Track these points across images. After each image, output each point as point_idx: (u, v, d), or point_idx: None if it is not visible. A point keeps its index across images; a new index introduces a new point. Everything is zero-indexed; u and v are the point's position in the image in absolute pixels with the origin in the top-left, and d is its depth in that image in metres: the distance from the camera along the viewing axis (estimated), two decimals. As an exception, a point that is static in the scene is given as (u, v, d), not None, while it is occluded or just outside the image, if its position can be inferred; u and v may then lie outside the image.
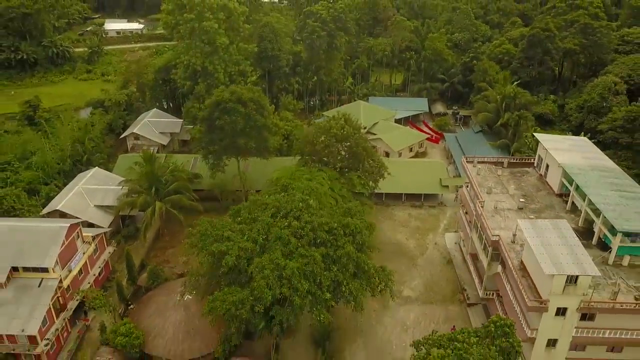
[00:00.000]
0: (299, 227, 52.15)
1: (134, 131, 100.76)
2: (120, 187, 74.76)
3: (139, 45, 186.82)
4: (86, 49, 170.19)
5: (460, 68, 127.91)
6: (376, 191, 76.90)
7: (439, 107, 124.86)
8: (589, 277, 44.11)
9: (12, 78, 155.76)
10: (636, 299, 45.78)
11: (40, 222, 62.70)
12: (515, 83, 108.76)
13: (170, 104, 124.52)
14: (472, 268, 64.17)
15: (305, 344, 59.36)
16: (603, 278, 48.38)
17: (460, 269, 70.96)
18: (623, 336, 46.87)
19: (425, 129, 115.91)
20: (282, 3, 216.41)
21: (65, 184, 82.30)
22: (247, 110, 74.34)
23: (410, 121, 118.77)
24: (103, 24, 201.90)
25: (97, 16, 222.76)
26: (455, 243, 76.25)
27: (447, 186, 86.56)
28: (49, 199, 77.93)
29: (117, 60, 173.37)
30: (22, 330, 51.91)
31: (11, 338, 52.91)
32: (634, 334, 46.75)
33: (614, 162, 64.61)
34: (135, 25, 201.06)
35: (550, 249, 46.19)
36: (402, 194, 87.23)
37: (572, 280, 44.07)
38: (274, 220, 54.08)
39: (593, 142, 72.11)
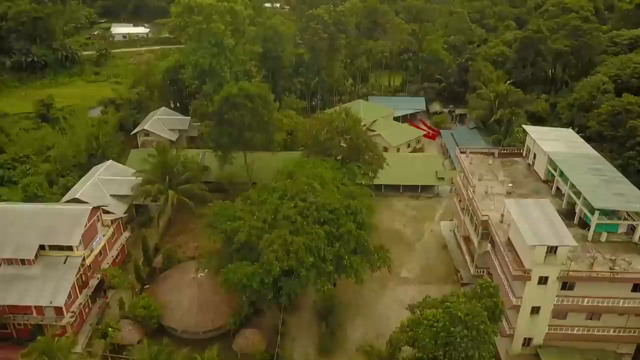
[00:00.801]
0: (304, 207, 56.94)
1: (145, 128, 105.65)
2: (135, 177, 79.32)
3: (144, 48, 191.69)
4: (94, 52, 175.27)
5: (456, 69, 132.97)
6: (375, 183, 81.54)
7: (436, 106, 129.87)
8: (567, 248, 48.82)
9: (23, 80, 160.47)
10: (611, 269, 50.44)
11: (64, 205, 67.49)
12: (509, 82, 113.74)
13: (177, 104, 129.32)
14: (464, 249, 68.88)
15: (309, 320, 63.87)
16: (582, 252, 53.06)
17: (454, 253, 75.61)
18: (600, 304, 51.45)
19: (423, 126, 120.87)
20: (284, 9, 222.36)
21: (80, 176, 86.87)
22: (254, 105, 79.31)
23: (408, 119, 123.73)
24: (109, 28, 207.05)
25: (103, 21, 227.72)
26: (450, 230, 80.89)
27: (442, 178, 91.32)
28: (67, 189, 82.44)
29: (124, 63, 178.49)
30: (50, 302, 56.57)
31: (39, 310, 57.54)
32: (610, 302, 51.32)
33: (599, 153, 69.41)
34: (141, 29, 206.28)
35: (533, 224, 50.96)
36: (400, 185, 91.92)
37: (552, 250, 48.78)
38: (282, 201, 58.85)
39: (581, 136, 76.90)
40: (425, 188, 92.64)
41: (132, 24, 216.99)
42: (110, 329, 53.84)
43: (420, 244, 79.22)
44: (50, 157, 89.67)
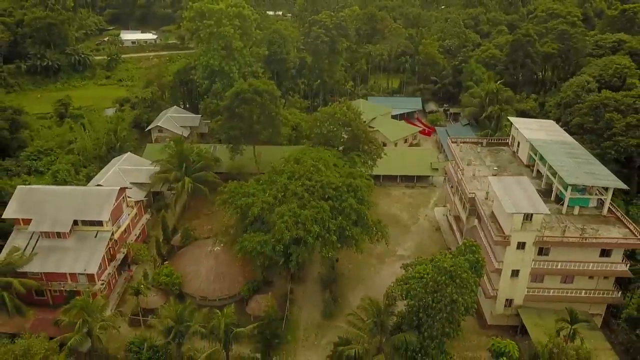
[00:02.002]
0: (310, 185, 64.00)
1: (158, 124, 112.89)
2: (154, 166, 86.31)
3: (153, 54, 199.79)
4: (105, 57, 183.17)
5: (450, 71, 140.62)
6: (374, 173, 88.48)
7: (432, 106, 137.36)
8: (541, 215, 55.79)
9: (38, 83, 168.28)
10: (580, 236, 57.37)
11: (93, 187, 74.59)
12: (499, 83, 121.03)
13: (187, 104, 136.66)
14: (455, 227, 75.92)
15: (315, 289, 70.66)
16: (556, 222, 60.04)
17: (446, 234, 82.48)
18: (572, 267, 58.29)
19: (419, 124, 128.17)
20: (286, 16, 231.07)
21: (101, 167, 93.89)
22: (262, 100, 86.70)
23: (405, 118, 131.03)
24: (118, 35, 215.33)
25: (111, 28, 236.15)
26: (443, 215, 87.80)
27: (436, 169, 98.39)
28: (89, 178, 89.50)
29: (133, 67, 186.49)
30: (84, 270, 63.40)
31: (73, 277, 64.37)
32: (581, 265, 58.17)
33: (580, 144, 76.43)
34: (149, 36, 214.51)
35: (512, 196, 58.01)
36: (397, 176, 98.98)
37: (528, 218, 55.72)
38: (290, 181, 65.91)
39: (565, 130, 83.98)
40: (421, 178, 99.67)
41: (140, 31, 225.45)
42: (142, 286, 60.55)
43: (415, 226, 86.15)
44: (74, 149, 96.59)
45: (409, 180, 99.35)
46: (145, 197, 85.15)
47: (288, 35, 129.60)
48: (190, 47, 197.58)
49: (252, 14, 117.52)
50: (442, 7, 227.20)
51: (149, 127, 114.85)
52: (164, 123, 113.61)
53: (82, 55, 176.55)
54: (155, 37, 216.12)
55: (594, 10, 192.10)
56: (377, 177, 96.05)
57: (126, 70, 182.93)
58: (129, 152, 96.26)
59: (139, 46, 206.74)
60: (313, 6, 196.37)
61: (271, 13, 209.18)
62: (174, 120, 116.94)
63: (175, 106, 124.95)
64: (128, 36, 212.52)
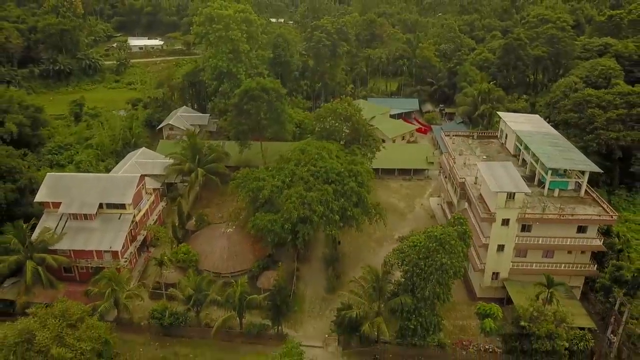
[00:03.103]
0: (315, 171, 70.57)
1: (170, 122, 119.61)
2: (168, 158, 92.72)
3: (159, 59, 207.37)
4: (114, 61, 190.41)
5: (446, 73, 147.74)
6: (374, 167, 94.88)
7: (428, 106, 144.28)
8: (523, 194, 62.23)
9: (50, 86, 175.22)
10: (559, 212, 63.79)
11: (116, 174, 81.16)
12: (492, 83, 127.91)
13: (195, 104, 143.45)
14: (447, 212, 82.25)
15: (319, 268, 76.82)
16: (538, 203, 66.46)
17: (440, 221, 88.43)
18: (552, 242, 64.60)
19: (416, 123, 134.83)
20: (288, 24, 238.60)
21: (117, 161, 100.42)
22: (269, 97, 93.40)
23: (403, 117, 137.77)
24: (126, 41, 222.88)
25: (118, 35, 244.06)
26: (437, 204, 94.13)
27: (432, 163, 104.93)
28: (107, 170, 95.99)
29: (141, 72, 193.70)
30: (110, 247, 69.70)
31: (99, 254, 70.63)
32: (560, 241, 64.47)
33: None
34: (156, 42, 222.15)
35: (497, 177, 64.52)
36: (395, 169, 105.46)
37: (511, 196, 62.12)
38: (297, 167, 72.47)
39: (551, 125, 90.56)
40: (417, 171, 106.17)
41: (147, 37, 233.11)
42: (165, 257, 66.82)
43: (411, 214, 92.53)
44: (92, 144, 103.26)
45: (406, 173, 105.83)
46: (160, 187, 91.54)
47: (291, 39, 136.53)
48: (196, 53, 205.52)
49: (258, 19, 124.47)
50: (439, 14, 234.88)
51: (161, 125, 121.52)
52: (175, 121, 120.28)
53: (93, 60, 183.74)
54: (161, 43, 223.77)
55: (585, 17, 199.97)
56: (376, 171, 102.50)
57: (134, 75, 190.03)
58: (143, 147, 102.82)
59: (145, 52, 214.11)
60: (314, 13, 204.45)
61: (274, 20, 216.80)
62: (184, 119, 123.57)
63: (184, 106, 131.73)
64: (135, 42, 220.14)
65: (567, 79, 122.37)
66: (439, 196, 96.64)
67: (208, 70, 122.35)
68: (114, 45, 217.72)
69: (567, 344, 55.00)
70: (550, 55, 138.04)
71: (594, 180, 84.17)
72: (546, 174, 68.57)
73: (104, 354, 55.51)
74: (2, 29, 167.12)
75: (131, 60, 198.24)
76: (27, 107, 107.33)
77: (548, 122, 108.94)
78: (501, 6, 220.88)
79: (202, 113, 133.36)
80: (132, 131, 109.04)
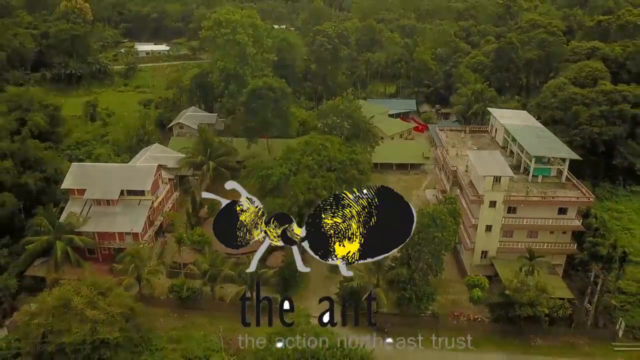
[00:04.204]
0: (319, 160, 77.05)
1: (180, 121, 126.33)
2: (181, 152, 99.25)
3: (166, 63, 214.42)
4: (123, 66, 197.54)
5: (442, 76, 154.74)
6: (373, 161, 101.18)
7: (425, 107, 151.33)
8: (507, 178, 68.71)
9: (61, 90, 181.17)
10: (541, 195, 70.21)
11: (136, 164, 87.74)
12: (486, 84, 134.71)
13: (203, 105, 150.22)
14: (442, 199, 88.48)
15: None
16: (523, 188, 72.88)
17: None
18: (536, 223, 70.94)
19: (413, 122, 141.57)
20: (289, 29, 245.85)
21: (131, 156, 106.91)
22: (275, 95, 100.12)
23: (401, 117, 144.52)
24: (133, 46, 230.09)
25: (125, 40, 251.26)
26: (433, 195, 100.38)
27: (428, 157, 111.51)
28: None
29: (148, 76, 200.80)
30: (131, 229, 76.04)
31: (121, 236, 76.94)
32: (543, 221, 70.82)
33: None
34: (162, 47, 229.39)
35: (485, 163, 71.09)
36: (392, 164, 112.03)
37: (497, 180, 68.55)
38: (302, 157, 78.96)
39: (540, 122, 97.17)
40: (414, 166, 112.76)
41: (153, 43, 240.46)
42: (184, 235, 73.10)
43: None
44: (108, 141, 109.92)
45: (403, 168, 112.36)
46: (173, 179, 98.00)
47: (295, 43, 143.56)
48: (201, 58, 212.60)
49: (263, 24, 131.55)
50: (436, 20, 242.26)
51: (171, 124, 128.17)
52: (184, 120, 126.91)
53: (103, 65, 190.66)
54: (167, 48, 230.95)
55: (577, 24, 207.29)
56: (375, 165, 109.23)
57: (142, 79, 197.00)
58: (156, 143, 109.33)
59: (152, 57, 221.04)
60: (315, 20, 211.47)
61: (276, 26, 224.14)
62: (193, 118, 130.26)
63: (193, 107, 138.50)
64: (143, 47, 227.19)
65: (556, 80, 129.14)
66: (434, 188, 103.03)
67: (216, 72, 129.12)
68: (122, 50, 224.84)
69: (547, 311, 61.18)
70: (540, 58, 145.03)
71: (579, 173, 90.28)
72: (530, 161, 75.03)
73: (130, 319, 61.64)
74: (17, 35, 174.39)
75: (139, 65, 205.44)
76: (46, 105, 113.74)
77: (536, 119, 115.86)
78: (496, 13, 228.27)
79: (210, 113, 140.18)
80: (145, 128, 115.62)
